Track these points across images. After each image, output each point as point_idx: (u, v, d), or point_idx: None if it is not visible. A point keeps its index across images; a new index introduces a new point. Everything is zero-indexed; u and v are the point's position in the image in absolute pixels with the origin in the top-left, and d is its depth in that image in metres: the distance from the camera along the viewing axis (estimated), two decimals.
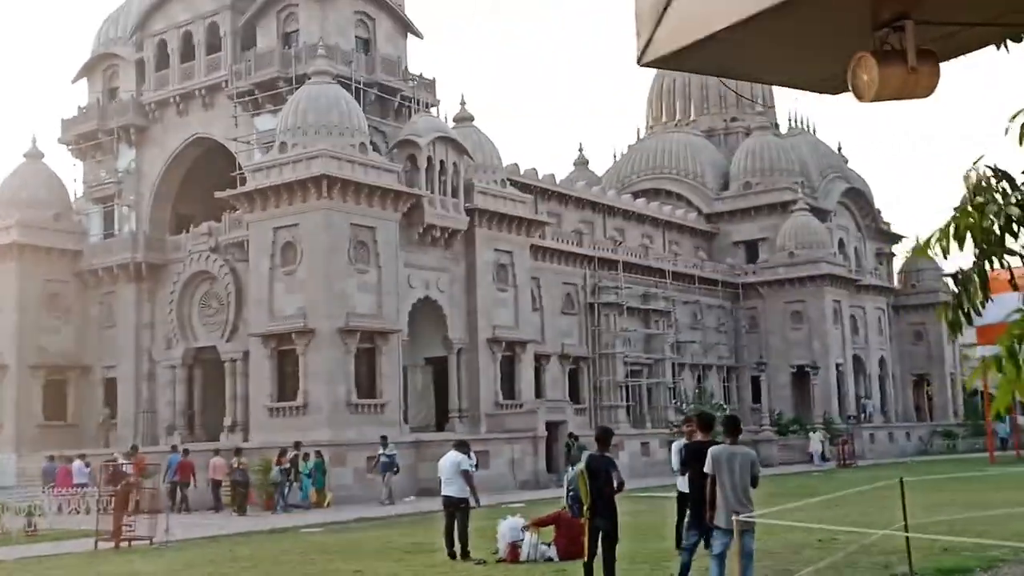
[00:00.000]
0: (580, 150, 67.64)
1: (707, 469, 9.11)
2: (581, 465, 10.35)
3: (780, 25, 3.93)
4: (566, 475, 10.92)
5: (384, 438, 28.71)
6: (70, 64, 71.21)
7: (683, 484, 13.10)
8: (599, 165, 68.12)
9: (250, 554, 15.44)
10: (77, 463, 27.95)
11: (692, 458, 9.89)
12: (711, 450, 9.21)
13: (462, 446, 14.35)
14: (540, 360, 41.45)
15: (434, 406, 37.13)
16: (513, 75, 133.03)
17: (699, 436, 10.08)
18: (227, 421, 36.61)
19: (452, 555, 13.61)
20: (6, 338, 39.30)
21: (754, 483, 9.19)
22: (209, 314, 38.45)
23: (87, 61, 42.51)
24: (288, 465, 26.77)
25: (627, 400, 45.68)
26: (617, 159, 67.33)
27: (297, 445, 28.07)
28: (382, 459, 27.61)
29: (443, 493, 14.00)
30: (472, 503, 13.84)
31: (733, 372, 54.72)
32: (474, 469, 14.31)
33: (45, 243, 40.35)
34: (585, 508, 10.08)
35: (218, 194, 34.65)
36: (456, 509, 13.73)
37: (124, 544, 17.04)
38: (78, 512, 24.80)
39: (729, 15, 3.97)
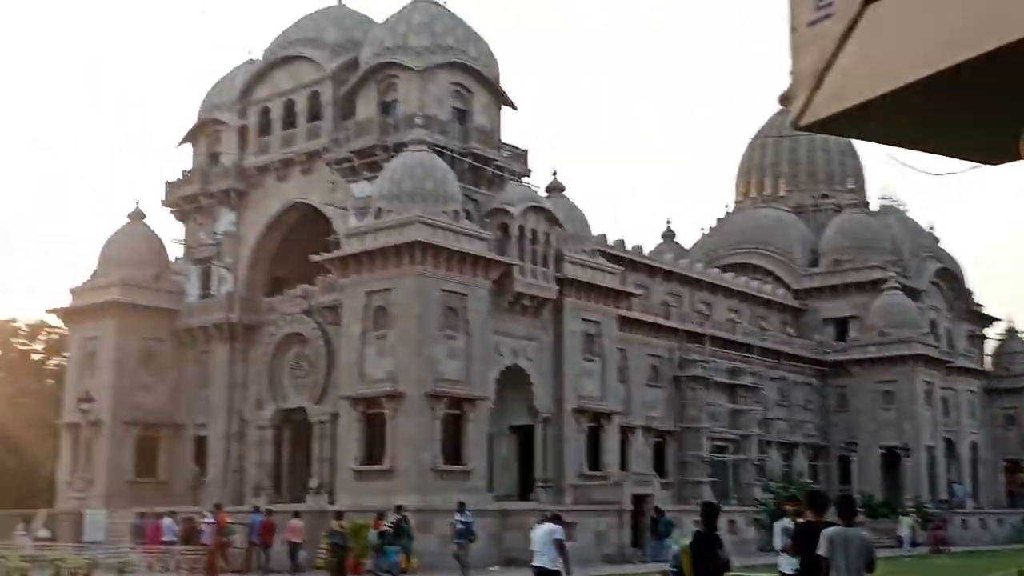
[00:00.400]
0: (668, 223, 67.47)
1: (821, 551, 8.83)
2: (686, 541, 10.15)
3: (951, 88, 3.95)
4: (669, 551, 10.71)
5: (461, 504, 28.07)
6: (175, 130, 74.00)
7: (786, 565, 12.79)
8: (686, 238, 67.96)
9: None
10: (167, 520, 28.28)
11: (804, 539, 9.56)
12: (826, 532, 8.91)
13: (556, 519, 14.20)
14: (625, 432, 41.11)
15: (518, 475, 36.94)
16: (602, 147, 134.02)
17: (809, 516, 9.78)
18: (313, 483, 36.91)
19: None
20: (102, 394, 40.21)
21: (870, 568, 8.91)
22: (300, 376, 39.02)
23: (192, 126, 44.03)
24: (387, 528, 26.57)
25: (712, 476, 44.92)
26: (705, 232, 67.13)
27: (399, 509, 27.61)
28: (458, 526, 27.00)
29: (534, 564, 13.86)
30: (564, 575, 13.68)
31: (821, 451, 53.53)
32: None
33: (144, 302, 41.48)
34: None
35: (313, 258, 35.35)
36: None
37: None
38: (167, 569, 25.08)
39: (896, 78, 3.99)
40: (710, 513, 10.13)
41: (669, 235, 66.56)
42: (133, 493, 39.25)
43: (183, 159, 44.57)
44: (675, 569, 10.29)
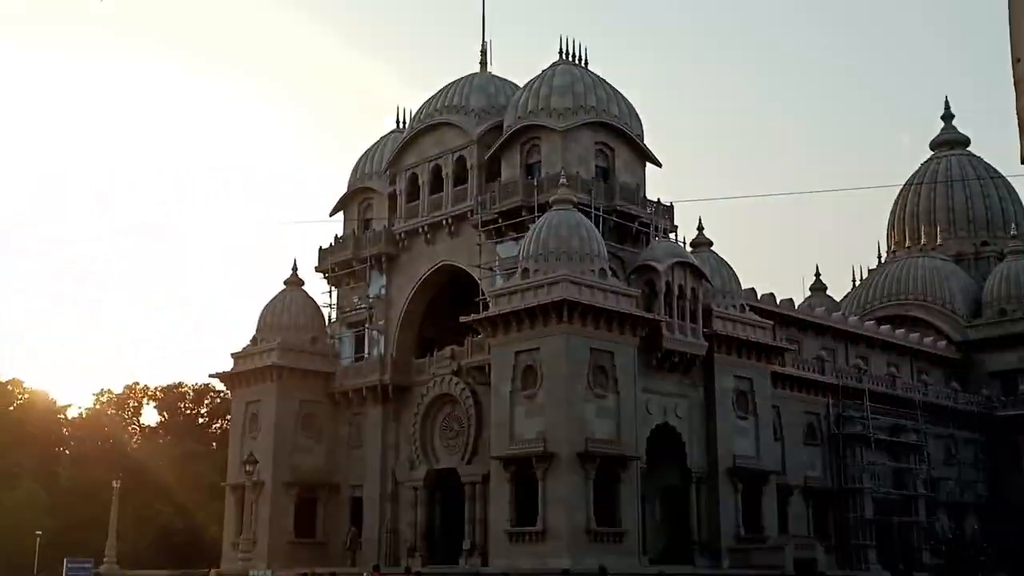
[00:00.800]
0: (817, 275, 65.65)
1: None
2: None
3: None
4: None
5: (602, 568, 27.58)
6: (327, 199, 76.72)
7: None
8: (836, 291, 65.99)
9: None
10: None
11: None
12: None
13: None
14: (782, 493, 39.73)
15: (670, 537, 36.12)
16: (747, 200, 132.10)
17: None
18: (466, 544, 36.97)
19: None
20: (262, 456, 41.28)
21: None
22: (450, 436, 39.34)
23: (344, 194, 45.42)
24: None
25: (877, 539, 42.94)
26: (856, 284, 65.07)
27: (603, 570, 27.21)
28: None
29: None
30: None
31: (994, 512, 50.51)
32: None
33: (302, 365, 42.68)
34: None
35: (463, 319, 35.75)
36: None
37: None
38: None
39: None
40: None
41: (819, 287, 64.71)
42: (293, 553, 40.15)
43: (335, 227, 45.96)
44: None
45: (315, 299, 45.34)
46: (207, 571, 38.40)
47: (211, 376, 45.10)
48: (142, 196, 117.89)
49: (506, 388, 33.56)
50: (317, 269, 45.35)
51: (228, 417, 63.61)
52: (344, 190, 45.75)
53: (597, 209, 36.55)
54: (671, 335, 35.16)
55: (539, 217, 35.96)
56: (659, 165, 40.34)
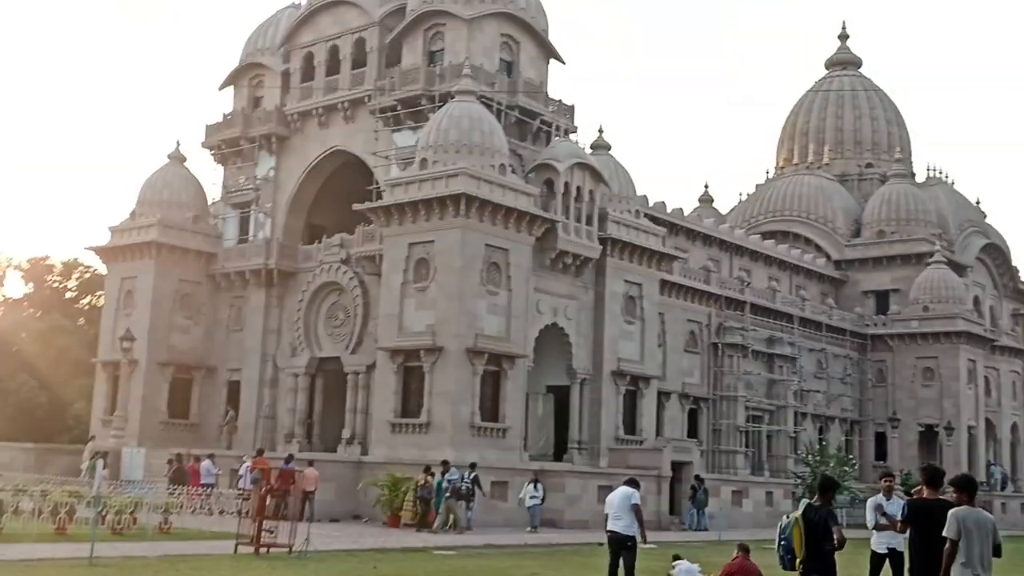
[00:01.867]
0: (706, 187, 66.49)
1: (949, 533, 8.19)
2: (797, 513, 9.57)
3: None
4: (779, 522, 10.06)
5: (445, 463, 27.52)
6: (216, 72, 73.21)
7: (880, 544, 12.26)
8: (723, 203, 66.97)
9: (396, 572, 15.03)
10: (206, 463, 28.10)
11: (919, 518, 8.90)
12: (957, 512, 8.24)
13: (633, 483, 13.65)
14: (660, 397, 40.50)
15: (553, 435, 36.51)
16: (643, 107, 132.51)
17: (925, 493, 9.11)
18: (346, 433, 36.68)
19: None
20: (137, 334, 39.95)
21: (996, 552, 8.31)
22: (335, 325, 38.67)
23: (234, 69, 43.36)
24: (468, 485, 26.48)
25: (746, 446, 44.36)
26: (743, 198, 66.10)
27: (473, 466, 27.39)
28: (454, 484, 26.05)
29: (609, 528, 13.32)
30: (640, 540, 13.17)
31: (856, 426, 52.80)
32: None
33: (182, 244, 41.16)
34: (798, 562, 9.31)
35: (356, 206, 34.80)
36: (622, 547, 13.06)
37: (263, 550, 16.83)
38: (210, 513, 24.90)
39: None
40: (828, 487, 9.57)
41: (707, 200, 65.57)
42: (165, 434, 39.31)
43: (224, 102, 43.99)
44: (784, 542, 9.67)
45: (200, 177, 43.64)
46: (75, 446, 37.19)
47: (87, 249, 43.13)
48: (15, 55, 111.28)
49: (397, 279, 32.95)
50: (203, 145, 43.46)
51: (99, 293, 61.53)
52: (235, 64, 43.64)
53: (499, 103, 35.73)
54: (566, 236, 34.96)
55: (440, 107, 34.99)
56: (563, 63, 39.60)
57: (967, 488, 8.51)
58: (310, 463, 27.81)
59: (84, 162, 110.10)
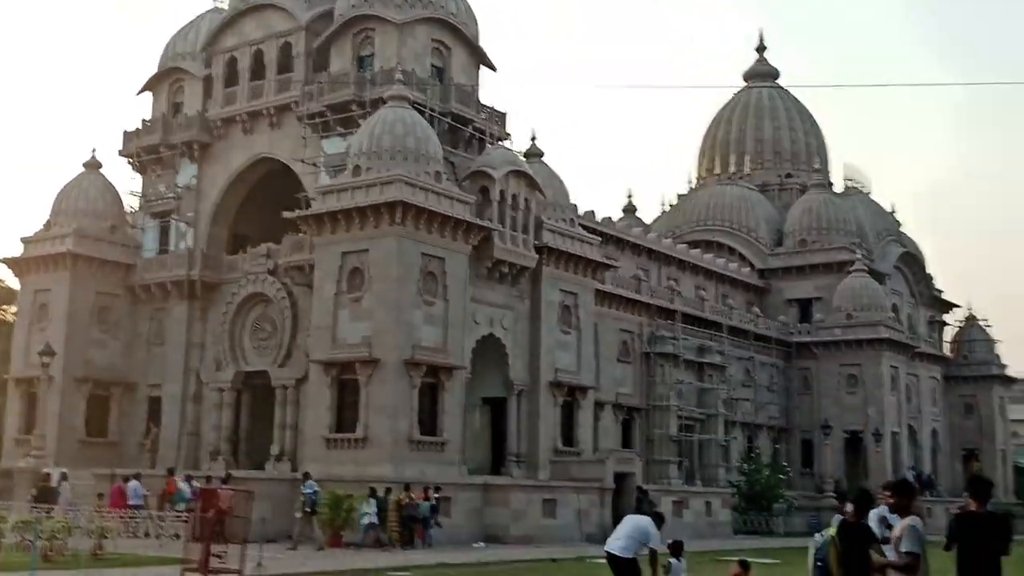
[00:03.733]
0: (629, 197, 66.67)
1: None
2: (832, 531, 8.94)
3: None
4: (812, 541, 9.43)
5: (306, 475, 26.96)
6: (135, 77, 71.10)
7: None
8: (645, 213, 67.12)
9: None
10: (133, 483, 26.69)
11: (967, 531, 8.32)
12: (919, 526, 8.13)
13: (658, 517, 12.48)
14: (595, 408, 40.04)
15: (490, 449, 35.81)
16: (563, 117, 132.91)
17: (972, 507, 8.55)
18: (274, 450, 35.41)
19: None
20: (54, 349, 38.19)
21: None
22: (262, 338, 37.41)
23: (153, 74, 41.85)
24: (435, 501, 26.06)
25: (679, 456, 44.20)
26: (666, 208, 66.39)
27: (438, 488, 27.53)
28: (310, 496, 25.51)
29: (607, 548, 12.36)
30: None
31: (784, 433, 53.17)
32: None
33: (99, 255, 39.47)
34: None
35: (286, 214, 33.71)
36: (617, 569, 12.20)
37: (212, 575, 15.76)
38: (135, 536, 23.60)
39: None
40: (863, 501, 8.93)
41: (630, 209, 65.69)
42: (83, 452, 37.46)
43: (143, 108, 42.42)
44: (820, 564, 9.04)
45: (117, 185, 41.93)
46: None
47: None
48: None
49: (331, 290, 31.92)
50: (121, 153, 41.77)
51: (4, 308, 58.86)
52: (155, 69, 42.09)
53: (432, 110, 34.97)
54: (503, 245, 34.35)
55: (371, 113, 34.12)
56: (494, 69, 39.08)
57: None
58: (223, 480, 26.51)
59: None
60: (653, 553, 11.87)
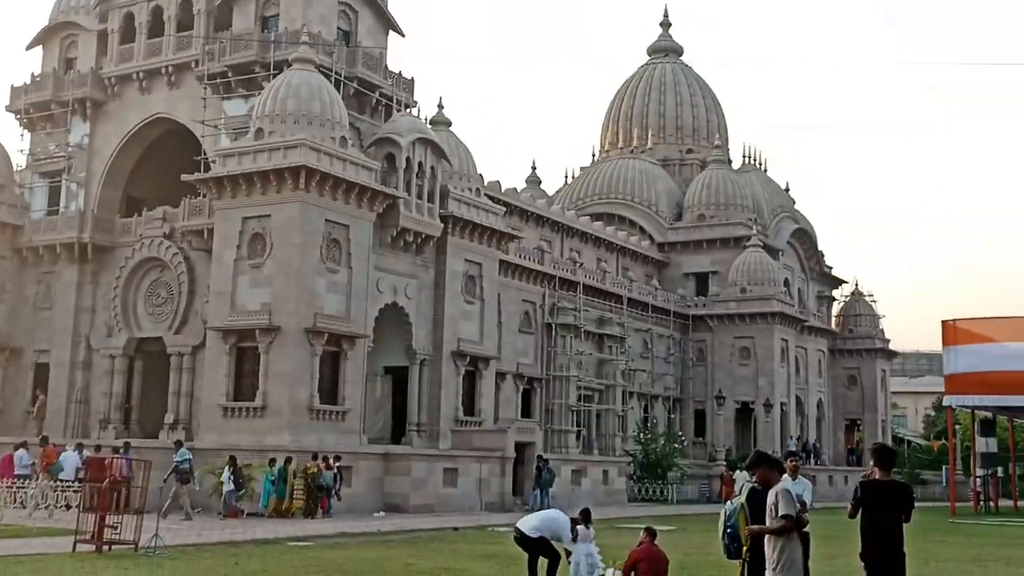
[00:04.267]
0: (533, 168, 66.80)
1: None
2: (742, 499, 9.18)
3: None
4: (724, 508, 9.63)
5: (178, 442, 26.57)
6: (25, 30, 68.15)
7: None
8: (548, 185, 67.41)
9: (262, 568, 13.93)
10: (20, 452, 25.73)
11: (871, 498, 8.61)
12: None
13: (585, 515, 12.49)
14: (496, 378, 40.14)
15: (391, 417, 35.62)
16: (469, 86, 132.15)
17: (877, 474, 8.85)
18: (168, 418, 34.61)
19: None
20: None
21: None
22: (157, 303, 36.42)
23: (44, 28, 40.13)
24: (337, 470, 25.78)
25: (578, 425, 44.67)
26: (569, 180, 66.75)
27: (337, 457, 27.29)
28: (180, 466, 24.98)
29: (518, 525, 12.45)
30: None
31: (678, 404, 54.19)
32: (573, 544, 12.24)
33: None
34: (744, 550, 8.94)
35: (185, 177, 32.77)
36: (529, 549, 12.26)
37: (106, 547, 15.33)
38: (24, 506, 22.84)
39: None
40: (761, 462, 9.14)
41: (534, 180, 65.84)
42: None
43: (33, 63, 40.64)
44: (730, 529, 9.26)
45: (3, 143, 40.16)
46: None
47: None
48: None
49: (230, 255, 31.20)
50: (8, 109, 39.98)
51: None
52: (45, 23, 40.35)
53: (338, 74, 34.31)
54: (408, 213, 34.02)
55: (274, 76, 33.33)
56: (402, 35, 38.54)
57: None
58: (122, 449, 25.79)
59: None
60: (566, 553, 12.02)
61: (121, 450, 24.88)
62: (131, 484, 16.27)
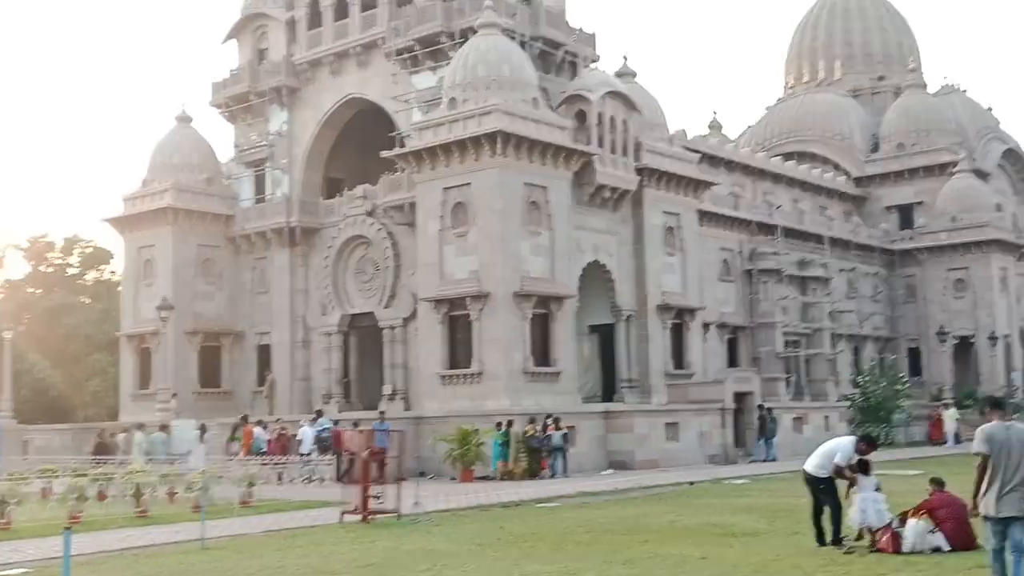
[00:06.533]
0: (714, 113, 65.34)
1: (979, 448, 8.22)
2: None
3: None
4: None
5: (319, 412, 27.42)
6: (221, 26, 71.09)
7: None
8: (730, 130, 65.49)
9: (530, 531, 14.02)
10: (258, 429, 27.05)
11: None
12: (985, 428, 8.33)
13: (866, 440, 12.21)
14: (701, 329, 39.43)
15: (600, 376, 35.55)
16: (641, 33, 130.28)
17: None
18: (386, 389, 35.62)
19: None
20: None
21: None
22: (365, 280, 37.44)
23: (237, 22, 41.64)
24: (566, 430, 26.13)
25: (786, 372, 43.47)
26: (752, 122, 64.74)
27: (557, 420, 27.18)
28: (322, 435, 25.67)
29: (805, 466, 12.23)
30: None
31: (889, 343, 52.03)
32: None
33: (198, 207, 39.81)
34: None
35: (384, 153, 33.41)
36: (814, 487, 11.99)
37: (372, 517, 15.78)
38: (292, 481, 24.15)
39: None
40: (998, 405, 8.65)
41: (716, 126, 64.06)
42: (199, 404, 38.09)
43: (230, 57, 42.31)
44: None
45: (210, 137, 42.17)
46: (101, 426, 36.02)
47: (104, 221, 41.46)
48: (12, 27, 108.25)
49: (435, 226, 31.66)
50: (211, 104, 41.80)
51: (103, 267, 60.09)
52: (237, 17, 41.85)
53: (522, 35, 34.21)
54: (603, 169, 33.68)
55: (461, 44, 33.48)
56: None
57: (997, 406, 8.56)
58: (355, 424, 26.67)
59: (87, 135, 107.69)
60: (837, 468, 11.70)
61: (376, 422, 25.76)
62: (386, 455, 16.64)
